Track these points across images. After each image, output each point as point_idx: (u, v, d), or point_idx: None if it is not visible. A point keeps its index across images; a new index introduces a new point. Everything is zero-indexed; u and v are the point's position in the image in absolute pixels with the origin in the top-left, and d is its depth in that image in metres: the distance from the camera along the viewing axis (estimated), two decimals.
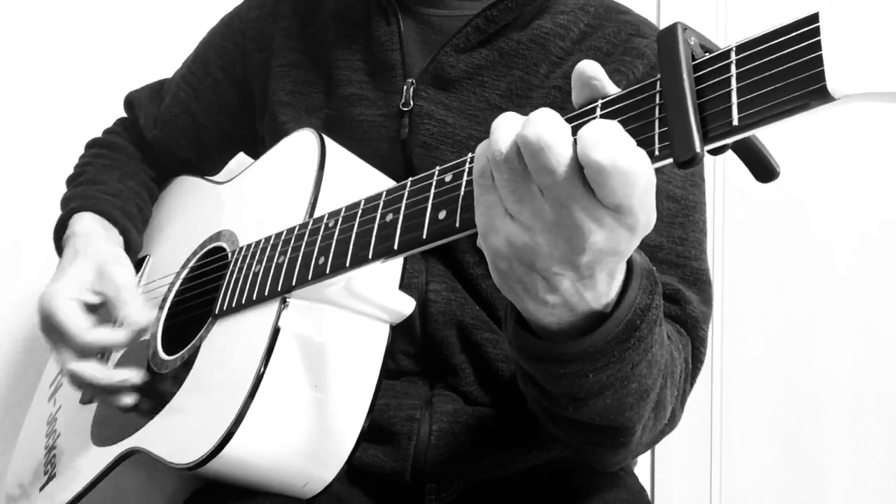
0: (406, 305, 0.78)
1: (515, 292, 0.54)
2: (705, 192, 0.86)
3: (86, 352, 0.82)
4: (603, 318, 0.55)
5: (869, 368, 1.49)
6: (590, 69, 0.52)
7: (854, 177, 1.47)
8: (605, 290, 0.53)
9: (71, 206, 0.96)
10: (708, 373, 1.44)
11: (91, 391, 0.85)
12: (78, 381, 0.84)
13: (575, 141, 0.47)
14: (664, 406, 0.69)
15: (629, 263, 0.56)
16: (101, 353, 0.88)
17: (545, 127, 0.47)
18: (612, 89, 0.52)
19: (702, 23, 1.44)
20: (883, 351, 1.49)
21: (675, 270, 0.81)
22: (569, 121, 0.51)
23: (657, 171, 0.47)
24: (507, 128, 0.50)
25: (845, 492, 1.49)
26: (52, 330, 0.84)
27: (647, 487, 1.34)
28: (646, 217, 0.49)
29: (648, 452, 1.45)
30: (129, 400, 0.83)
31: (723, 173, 1.46)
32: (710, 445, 1.48)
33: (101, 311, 0.85)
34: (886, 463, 1.49)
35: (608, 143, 0.45)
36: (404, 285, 0.79)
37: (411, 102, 0.84)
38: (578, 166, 0.47)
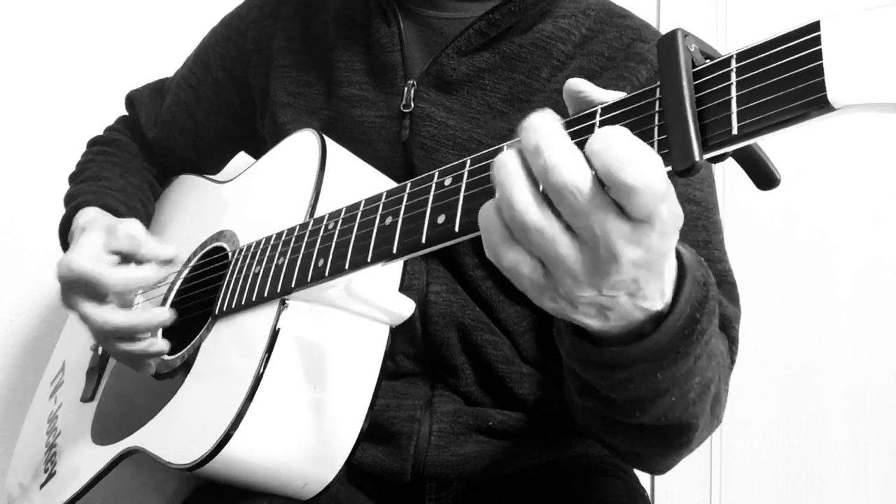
0: (406, 307, 0.77)
1: (574, 318, 0.53)
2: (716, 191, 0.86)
3: (118, 293, 0.80)
4: (661, 315, 0.54)
5: (869, 371, 1.49)
6: (574, 85, 0.51)
7: (855, 184, 1.47)
8: (657, 291, 0.52)
9: (75, 203, 0.96)
10: None
11: (120, 343, 0.82)
12: (109, 331, 0.81)
13: (585, 157, 0.45)
14: (720, 400, 0.69)
15: (679, 257, 0.55)
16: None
17: (571, 170, 0.45)
18: (605, 95, 0.51)
19: (702, 26, 1.43)
20: (883, 354, 1.49)
21: None
22: (570, 125, 0.51)
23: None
24: (519, 184, 0.47)
25: (845, 492, 1.49)
26: (75, 287, 0.81)
27: (647, 488, 1.34)
28: (674, 218, 0.48)
29: None
30: (151, 368, 0.82)
31: (722, 180, 1.46)
32: (711, 446, 1.48)
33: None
34: (886, 464, 1.49)
35: (632, 160, 0.44)
36: (405, 286, 0.79)
37: (412, 104, 0.84)
38: (601, 192, 0.45)
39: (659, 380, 0.57)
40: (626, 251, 0.47)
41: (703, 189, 0.82)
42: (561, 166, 0.45)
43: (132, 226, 0.85)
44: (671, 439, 0.66)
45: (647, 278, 0.50)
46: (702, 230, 0.82)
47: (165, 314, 0.81)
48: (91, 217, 0.92)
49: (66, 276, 0.81)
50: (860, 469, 1.49)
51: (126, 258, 0.84)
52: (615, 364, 0.56)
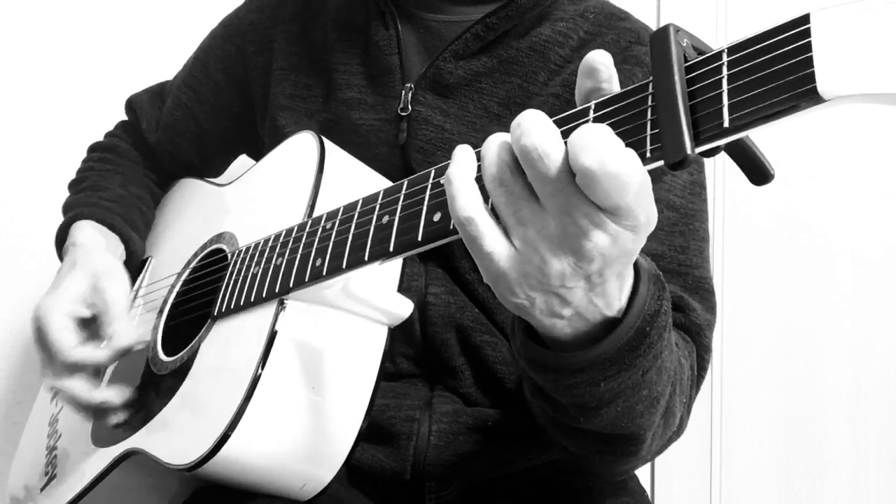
0: (404, 308, 0.77)
1: (528, 312, 0.53)
2: (706, 199, 0.86)
3: (71, 370, 0.82)
4: (613, 324, 0.54)
5: (868, 371, 1.49)
6: (599, 56, 0.51)
7: (854, 182, 1.47)
8: (615, 294, 0.53)
9: (72, 214, 0.96)
10: (708, 375, 1.44)
11: (77, 409, 0.84)
12: (64, 398, 0.84)
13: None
14: (673, 413, 0.69)
15: (637, 270, 0.55)
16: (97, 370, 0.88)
17: (540, 134, 0.47)
18: (616, 86, 0.51)
19: (702, 26, 1.43)
20: (883, 354, 1.49)
21: (677, 279, 0.80)
22: (562, 122, 0.51)
23: (656, 179, 0.47)
24: (494, 148, 0.50)
25: (845, 493, 1.48)
26: (42, 344, 0.84)
27: (648, 489, 1.34)
28: (646, 216, 0.49)
29: None
30: (116, 419, 0.83)
31: (723, 180, 1.46)
32: (710, 447, 1.48)
33: (95, 325, 0.85)
34: (886, 465, 1.48)
35: (595, 146, 0.45)
36: (404, 288, 0.79)
37: (409, 107, 0.84)
38: (571, 174, 0.47)
39: (602, 389, 0.57)
40: (594, 233, 0.48)
41: (683, 196, 0.82)
42: (531, 130, 0.47)
43: (113, 290, 0.85)
44: (616, 447, 0.67)
45: (609, 275, 0.51)
46: (679, 236, 0.81)
47: (119, 398, 0.83)
48: (87, 237, 0.93)
49: (34, 320, 0.84)
50: (860, 469, 1.48)
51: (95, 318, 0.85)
52: (560, 368, 0.57)
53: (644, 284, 0.55)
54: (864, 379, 1.48)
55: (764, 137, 0.46)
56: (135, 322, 0.92)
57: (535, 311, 0.53)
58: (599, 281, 0.51)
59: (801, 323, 1.48)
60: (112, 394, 0.83)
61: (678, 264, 0.81)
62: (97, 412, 0.84)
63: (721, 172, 1.45)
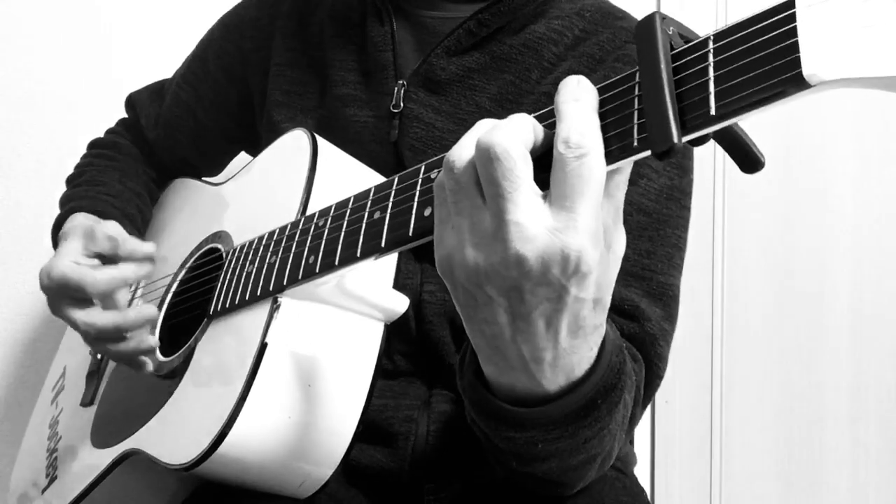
0: (400, 303, 0.77)
1: (482, 333, 0.52)
2: (688, 207, 0.84)
3: (99, 295, 0.80)
4: (566, 390, 0.54)
5: (869, 371, 1.48)
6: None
7: (855, 182, 1.46)
8: (575, 365, 0.52)
9: (70, 206, 0.96)
10: (708, 374, 1.43)
11: (109, 344, 0.81)
12: (95, 333, 0.81)
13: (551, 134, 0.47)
14: (611, 456, 0.68)
15: (602, 342, 0.54)
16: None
17: (502, 137, 0.47)
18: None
19: (702, 27, 1.43)
20: (883, 354, 1.48)
21: (639, 283, 0.79)
22: (546, 116, 0.51)
23: (632, 183, 0.47)
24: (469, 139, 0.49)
25: (845, 493, 1.48)
26: (59, 294, 0.81)
27: (647, 488, 1.33)
28: (595, 261, 0.47)
29: (648, 453, 1.44)
30: (148, 366, 0.82)
31: (723, 176, 1.45)
32: (711, 446, 1.47)
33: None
34: (886, 464, 1.47)
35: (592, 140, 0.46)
36: (399, 286, 0.78)
37: (401, 104, 0.84)
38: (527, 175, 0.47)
39: (539, 449, 0.57)
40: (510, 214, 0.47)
41: (658, 200, 0.80)
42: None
43: (110, 227, 0.85)
44: (544, 488, 0.68)
45: (563, 333, 0.50)
46: (646, 240, 0.79)
47: (150, 310, 0.81)
48: (78, 223, 0.93)
49: (46, 284, 0.82)
50: (860, 469, 1.47)
51: (107, 260, 0.84)
52: (503, 419, 0.56)
53: (606, 357, 0.54)
54: (864, 379, 1.48)
55: (755, 125, 0.45)
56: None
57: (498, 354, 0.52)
58: (565, 347, 0.50)
59: (801, 322, 1.48)
60: (146, 309, 0.81)
61: (641, 268, 0.79)
62: (128, 353, 0.81)
63: (721, 166, 1.45)
